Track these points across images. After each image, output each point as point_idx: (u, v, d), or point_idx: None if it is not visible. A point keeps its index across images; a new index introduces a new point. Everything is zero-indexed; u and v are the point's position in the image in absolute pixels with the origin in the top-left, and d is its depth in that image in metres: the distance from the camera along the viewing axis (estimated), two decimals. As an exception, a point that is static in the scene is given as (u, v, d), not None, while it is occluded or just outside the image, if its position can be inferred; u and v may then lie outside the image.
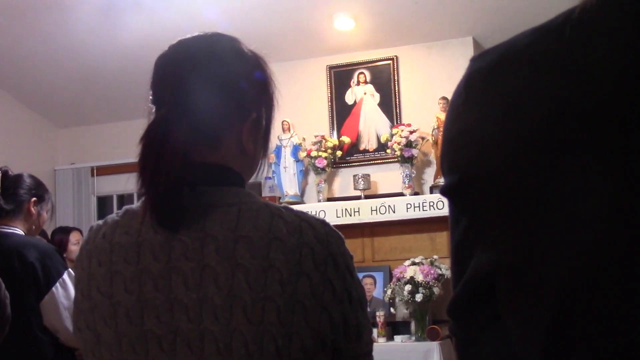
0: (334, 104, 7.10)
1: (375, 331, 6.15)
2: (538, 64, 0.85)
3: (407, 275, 6.10)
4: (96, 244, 1.47)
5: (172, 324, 1.35)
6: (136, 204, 1.48)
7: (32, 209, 3.83)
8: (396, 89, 6.93)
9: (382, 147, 6.88)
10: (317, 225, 1.40)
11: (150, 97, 1.49)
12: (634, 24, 0.80)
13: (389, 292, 6.22)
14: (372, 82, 7.02)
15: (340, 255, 1.40)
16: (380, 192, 6.84)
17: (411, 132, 6.56)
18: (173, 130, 1.38)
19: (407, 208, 6.42)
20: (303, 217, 1.40)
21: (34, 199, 3.85)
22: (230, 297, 1.32)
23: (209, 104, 1.45)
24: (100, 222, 1.51)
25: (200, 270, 1.35)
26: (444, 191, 0.96)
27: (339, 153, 6.92)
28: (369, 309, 6.11)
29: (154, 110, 1.47)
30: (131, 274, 1.40)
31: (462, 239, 0.98)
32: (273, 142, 7.02)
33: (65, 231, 6.53)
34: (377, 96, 7.00)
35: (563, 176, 0.81)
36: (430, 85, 6.69)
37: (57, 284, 3.66)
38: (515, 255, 0.86)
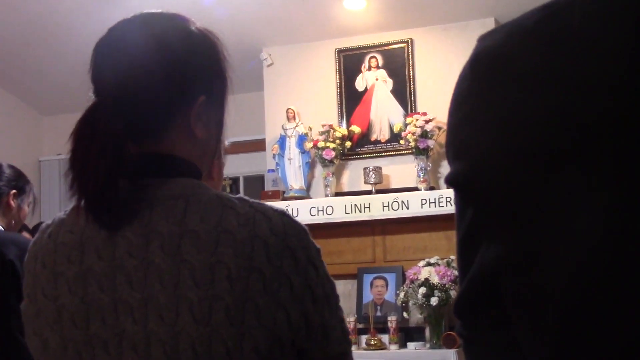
0: (343, 91, 7.10)
1: (386, 337, 6.16)
2: (547, 44, 0.86)
3: (422, 276, 6.11)
4: (41, 245, 1.48)
5: (117, 327, 1.36)
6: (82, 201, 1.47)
7: (12, 202, 3.83)
8: (411, 74, 6.92)
9: (395, 137, 6.88)
10: (273, 216, 1.38)
11: (92, 89, 1.49)
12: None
13: (401, 295, 6.23)
14: (384, 67, 7.02)
15: (300, 249, 1.38)
16: (393, 186, 6.84)
17: (427, 122, 6.56)
18: (102, 122, 1.38)
19: (422, 204, 6.42)
20: (258, 208, 1.39)
21: (14, 191, 3.84)
22: (175, 296, 1.32)
23: (147, 91, 1.43)
24: (49, 221, 1.52)
25: (144, 268, 1.35)
26: (449, 180, 0.96)
27: (348, 144, 6.92)
28: (379, 313, 6.13)
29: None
30: (75, 274, 1.40)
31: (467, 232, 0.98)
32: (277, 131, 7.02)
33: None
34: (390, 82, 6.99)
35: (573, 173, 0.82)
36: (448, 70, 6.67)
37: None
38: (522, 250, 0.87)
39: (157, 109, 1.45)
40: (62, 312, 1.40)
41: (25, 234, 4.01)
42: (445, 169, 6.81)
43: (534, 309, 0.87)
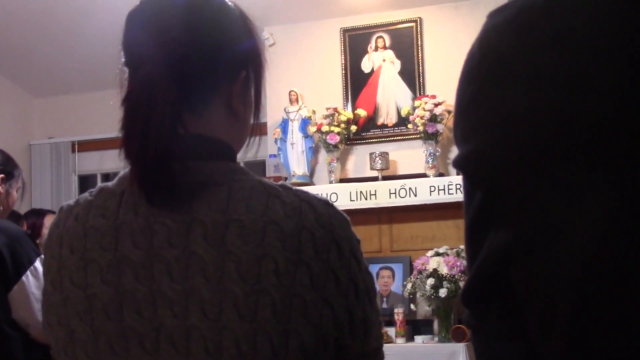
0: (348, 72, 7.09)
1: (393, 330, 6.17)
2: (560, 19, 0.86)
3: (430, 267, 6.11)
4: (67, 228, 1.45)
5: (154, 320, 1.34)
6: (112, 182, 1.46)
7: (0, 188, 3.83)
8: (419, 55, 6.91)
9: (402, 121, 6.87)
10: (319, 206, 1.39)
11: (123, 59, 1.47)
12: None
13: (409, 286, 6.24)
14: (392, 48, 7.01)
15: (345, 240, 1.39)
16: (400, 172, 6.85)
17: (436, 105, 6.55)
18: (161, 90, 1.35)
19: (431, 191, 6.42)
20: (303, 197, 1.39)
21: (2, 175, 3.84)
22: (219, 290, 1.31)
23: (196, 61, 1.42)
24: (72, 202, 1.50)
25: (185, 258, 1.34)
26: (457, 163, 0.96)
27: (353, 128, 6.92)
28: (385, 305, 6.14)
29: (127, 73, 1.44)
30: (108, 262, 1.38)
31: (476, 217, 0.98)
32: (279, 114, 7.02)
33: (39, 214, 6.51)
34: (397, 63, 6.99)
35: (585, 162, 0.83)
36: (459, 51, 6.65)
37: (28, 273, 3.65)
38: (532, 235, 0.87)
39: (205, 80, 1.44)
40: (94, 302, 1.38)
41: (10, 222, 3.99)
42: (455, 154, 6.78)
43: (544, 297, 0.88)
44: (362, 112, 6.95)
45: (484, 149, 0.91)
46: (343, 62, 7.11)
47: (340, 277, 1.36)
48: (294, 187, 1.41)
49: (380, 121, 7.00)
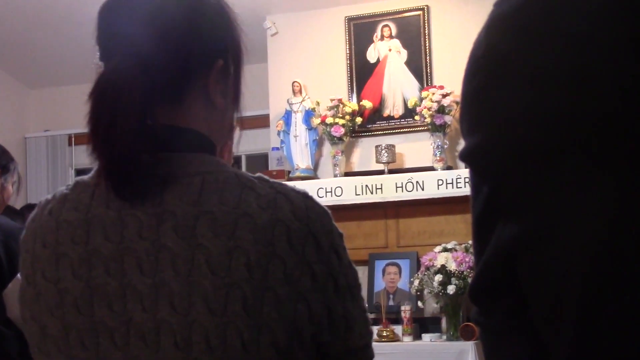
0: (353, 62, 7.09)
1: (400, 328, 6.18)
2: (568, 12, 0.87)
3: (438, 263, 6.12)
4: (41, 222, 1.47)
5: (125, 314, 1.35)
6: (89, 175, 1.46)
7: (-6, 182, 3.83)
8: (427, 44, 6.91)
9: (409, 113, 6.87)
10: (296, 198, 1.39)
11: (98, 53, 1.48)
12: None
13: (416, 283, 6.24)
14: (398, 37, 7.01)
15: (324, 234, 1.39)
16: (407, 165, 6.85)
17: (444, 96, 6.55)
18: (127, 82, 1.36)
19: (439, 185, 6.43)
20: (280, 189, 1.39)
21: (-3, 169, 3.84)
22: (189, 283, 1.32)
23: (167, 50, 1.42)
24: (49, 196, 1.51)
25: (155, 251, 1.35)
26: (464, 155, 0.97)
27: (358, 120, 6.92)
28: (392, 303, 6.14)
29: (102, 67, 1.45)
30: (79, 256, 1.40)
31: (483, 211, 0.99)
32: (282, 106, 7.02)
33: (34, 209, 6.52)
34: (404, 53, 6.98)
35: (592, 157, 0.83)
36: (467, 40, 6.59)
37: None
38: (539, 229, 0.87)
39: (177, 71, 1.44)
40: (65, 296, 1.39)
41: (5, 217, 3.99)
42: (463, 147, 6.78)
43: (552, 292, 0.88)
44: (367, 104, 6.95)
45: (490, 142, 0.92)
46: (348, 52, 7.10)
47: (317, 271, 1.36)
48: (271, 180, 1.41)
49: (386, 113, 7.00)
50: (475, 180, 1.01)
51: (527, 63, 0.88)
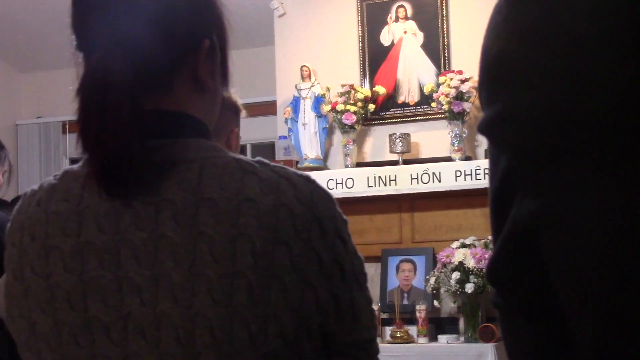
0: (366, 46, 7.09)
1: (414, 329, 6.18)
2: None
3: (455, 260, 6.12)
4: (29, 214, 1.47)
5: (122, 309, 1.36)
6: (77, 165, 1.47)
7: (-16, 171, 3.84)
8: (444, 26, 6.90)
9: (425, 99, 6.87)
10: (299, 182, 1.40)
11: (74, 42, 1.49)
12: None
13: (432, 280, 6.24)
14: (414, 18, 7.00)
15: (328, 218, 1.41)
16: (423, 155, 6.85)
17: (462, 81, 6.54)
18: (115, 75, 1.37)
19: (457, 176, 6.42)
20: (282, 172, 1.40)
21: (-14, 158, 3.85)
22: (191, 273, 1.33)
23: (152, 35, 1.43)
24: (36, 186, 1.52)
25: (154, 242, 1.35)
26: (482, 127, 0.97)
27: (371, 107, 6.92)
28: (406, 302, 6.15)
29: (81, 57, 1.47)
30: (71, 248, 1.40)
31: (500, 185, 0.99)
32: (290, 92, 7.02)
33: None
34: (420, 36, 6.97)
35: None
36: (487, 22, 6.62)
37: None
38: (560, 203, 0.87)
39: (165, 56, 1.45)
40: (56, 291, 1.40)
41: None
42: (483, 136, 6.76)
43: (574, 271, 0.88)
44: (381, 90, 6.94)
45: (512, 110, 0.92)
46: (360, 35, 7.10)
47: (324, 257, 1.38)
48: (271, 163, 1.42)
49: (400, 99, 6.99)
50: (494, 153, 1.01)
51: (553, 30, 0.88)
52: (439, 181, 6.47)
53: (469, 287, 5.98)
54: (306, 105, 7.06)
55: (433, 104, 6.72)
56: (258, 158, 1.43)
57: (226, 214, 1.33)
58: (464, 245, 6.24)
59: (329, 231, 1.39)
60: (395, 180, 6.57)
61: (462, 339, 6.14)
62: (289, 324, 1.34)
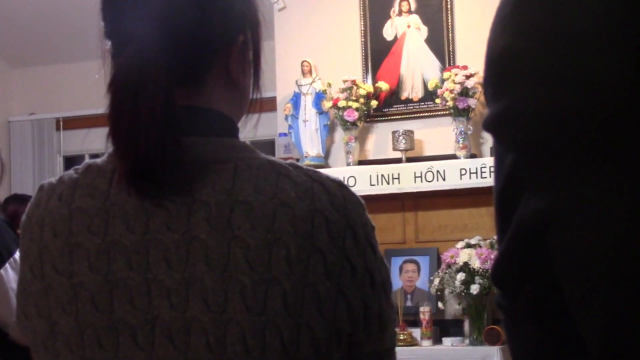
0: (368, 40, 7.09)
1: (418, 332, 6.19)
2: None
3: (460, 260, 6.12)
4: (50, 209, 1.45)
5: (149, 312, 1.35)
6: (101, 159, 1.46)
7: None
8: (449, 20, 6.90)
9: (429, 95, 6.87)
10: (332, 187, 1.40)
11: (103, 30, 1.47)
12: None
13: (436, 282, 6.25)
14: (417, 12, 7.00)
15: (360, 225, 1.40)
16: (427, 153, 6.84)
17: (467, 77, 6.54)
18: (151, 69, 1.35)
19: (461, 174, 6.42)
20: (315, 177, 1.40)
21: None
22: (224, 278, 1.32)
23: (189, 29, 1.42)
24: (54, 180, 1.50)
25: (186, 243, 1.34)
26: (488, 123, 0.97)
27: (374, 103, 6.92)
28: (410, 303, 6.16)
29: (110, 45, 1.45)
30: (97, 247, 1.39)
31: (507, 183, 0.99)
32: (290, 88, 7.03)
33: (20, 200, 6.52)
34: (424, 30, 6.97)
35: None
36: (493, 16, 6.62)
37: (7, 265, 3.67)
38: (569, 201, 0.87)
39: (200, 51, 1.44)
40: (80, 291, 1.39)
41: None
42: (488, 133, 6.76)
43: (584, 271, 0.88)
44: (383, 85, 6.95)
45: (519, 105, 0.91)
46: (362, 29, 7.10)
47: (356, 266, 1.38)
48: (304, 166, 1.42)
49: (404, 95, 7.00)
50: (500, 151, 1.01)
51: (562, 21, 0.89)
52: (444, 179, 6.47)
53: (474, 289, 5.98)
54: (307, 102, 7.06)
55: (437, 100, 6.72)
56: (290, 160, 1.43)
57: (262, 218, 1.33)
58: (469, 246, 6.25)
59: (361, 239, 1.39)
60: (398, 178, 6.58)
61: (467, 341, 6.14)
62: (322, 334, 1.33)
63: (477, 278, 6.01)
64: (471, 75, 6.53)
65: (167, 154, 1.34)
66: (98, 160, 1.46)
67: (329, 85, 7.00)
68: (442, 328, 6.38)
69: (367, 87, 6.91)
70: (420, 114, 6.93)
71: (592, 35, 0.85)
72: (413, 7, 7.00)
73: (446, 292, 6.26)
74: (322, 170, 1.48)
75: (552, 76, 0.88)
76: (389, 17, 7.05)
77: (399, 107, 6.99)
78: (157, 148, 1.33)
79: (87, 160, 1.51)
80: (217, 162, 1.39)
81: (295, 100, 7.08)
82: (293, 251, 1.32)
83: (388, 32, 7.05)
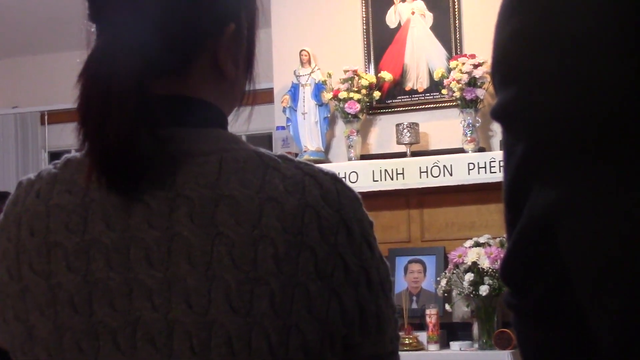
0: (370, 28, 7.08)
1: (424, 335, 6.19)
2: None
3: (469, 260, 6.12)
4: (27, 206, 1.45)
5: (130, 314, 1.35)
6: (81, 152, 1.44)
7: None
8: (456, 7, 6.90)
9: (435, 86, 6.87)
10: (325, 181, 1.39)
11: (87, 13, 1.46)
12: None
13: (443, 282, 6.25)
14: (422, -2, 7.00)
15: (355, 221, 1.40)
16: (433, 147, 6.85)
17: (475, 66, 6.54)
18: (122, 57, 1.35)
19: (469, 169, 6.42)
20: (307, 170, 1.40)
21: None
22: (208, 277, 1.32)
23: (171, 15, 1.42)
24: (32, 176, 1.50)
25: (168, 241, 1.34)
26: (496, 112, 0.97)
27: (376, 94, 6.92)
28: (415, 306, 6.16)
29: (93, 29, 1.44)
30: (75, 246, 1.39)
31: (516, 175, 0.99)
32: (288, 78, 7.02)
33: (2, 197, 6.56)
34: (429, 17, 6.97)
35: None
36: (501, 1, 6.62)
37: None
38: (581, 193, 0.88)
39: (182, 39, 1.44)
40: (58, 293, 1.39)
41: None
42: (498, 125, 6.76)
43: (596, 267, 0.88)
44: (386, 76, 6.94)
45: (529, 93, 0.92)
46: (364, 16, 7.09)
47: (350, 264, 1.37)
48: (295, 159, 1.42)
49: (408, 86, 7.00)
50: (509, 141, 1.01)
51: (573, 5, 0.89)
52: (450, 175, 6.47)
53: (484, 290, 5.98)
54: (306, 93, 7.06)
55: (444, 91, 6.72)
56: (281, 153, 1.43)
57: (247, 214, 1.33)
58: (477, 244, 6.24)
59: (355, 235, 1.39)
60: (402, 174, 6.58)
61: (476, 345, 6.14)
62: (312, 336, 1.34)
63: (486, 279, 6.01)
64: (479, 65, 6.53)
65: (141, 146, 1.33)
66: (77, 154, 1.46)
67: (329, 75, 6.99)
68: (450, 331, 6.39)
69: (369, 77, 6.91)
70: (426, 106, 6.93)
71: (596, 34, 0.86)
72: (418, -8, 6.99)
73: (454, 293, 6.26)
74: (322, 166, 1.47)
75: (563, 64, 0.88)
76: (392, 3, 7.04)
77: (403, 98, 6.99)
78: (128, 139, 1.33)
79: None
80: (201, 154, 1.38)
81: (294, 91, 7.08)
82: (281, 249, 1.32)
83: (391, 19, 7.05)
